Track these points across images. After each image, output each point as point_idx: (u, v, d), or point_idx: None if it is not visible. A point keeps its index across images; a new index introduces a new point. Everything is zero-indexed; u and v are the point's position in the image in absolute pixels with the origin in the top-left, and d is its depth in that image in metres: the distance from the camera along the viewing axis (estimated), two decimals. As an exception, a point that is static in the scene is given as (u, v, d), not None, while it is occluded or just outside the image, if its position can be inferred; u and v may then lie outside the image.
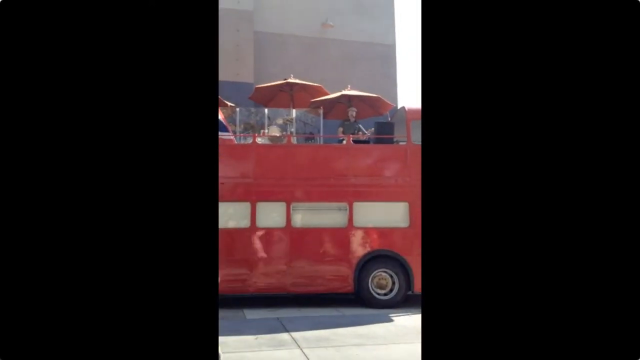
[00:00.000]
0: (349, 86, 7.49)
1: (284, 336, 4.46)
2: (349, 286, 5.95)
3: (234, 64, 9.70)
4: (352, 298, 6.12)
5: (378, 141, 6.67)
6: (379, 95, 7.50)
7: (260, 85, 7.94)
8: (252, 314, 5.55)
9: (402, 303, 5.81)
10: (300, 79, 7.57)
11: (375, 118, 7.53)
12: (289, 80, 7.42)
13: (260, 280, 5.98)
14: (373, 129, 6.99)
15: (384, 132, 6.55)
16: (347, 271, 5.96)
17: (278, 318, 5.22)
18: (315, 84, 7.63)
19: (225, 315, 5.45)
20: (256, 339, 4.36)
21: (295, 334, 4.49)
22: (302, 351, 3.95)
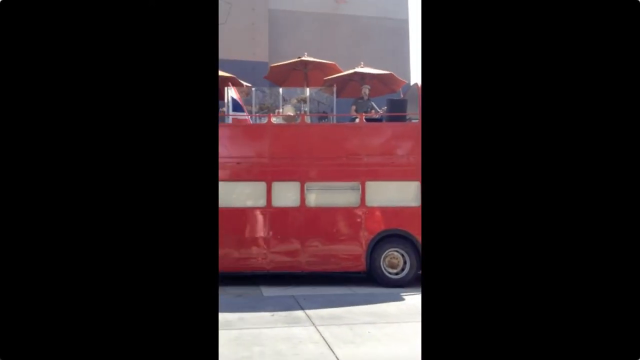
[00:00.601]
0: (362, 63, 7.41)
1: (299, 313, 4.67)
2: (361, 265, 6.11)
3: (250, 43, 9.65)
4: (364, 277, 6.31)
5: (390, 119, 6.65)
6: (392, 72, 7.41)
7: (275, 64, 7.90)
8: (268, 291, 5.78)
9: (413, 282, 5.97)
10: (314, 57, 7.50)
11: (388, 95, 7.48)
12: (303, 58, 7.37)
13: (276, 259, 6.18)
14: (385, 106, 6.96)
15: (397, 110, 6.53)
16: (359, 250, 6.12)
17: (293, 296, 5.44)
18: (329, 62, 7.56)
19: (243, 292, 5.70)
20: (272, 315, 4.58)
21: (310, 312, 4.70)
22: (317, 328, 4.15)
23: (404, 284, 5.98)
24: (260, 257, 6.12)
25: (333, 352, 3.54)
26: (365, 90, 7.07)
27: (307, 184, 6.38)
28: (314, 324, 4.31)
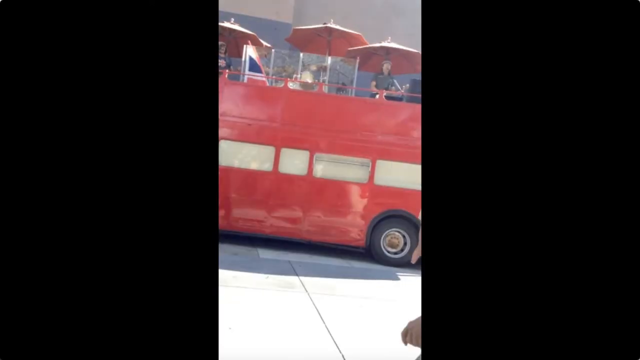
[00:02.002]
0: (390, 38, 7.18)
1: (293, 279, 4.67)
2: (360, 240, 6.09)
3: (275, 1, 9.35)
4: (362, 252, 6.29)
5: (411, 99, 6.49)
6: (419, 52, 7.18)
7: (299, 28, 7.69)
8: (265, 253, 5.79)
9: (410, 263, 5.96)
10: (340, 26, 7.28)
11: (412, 75, 7.26)
12: (329, 25, 7.15)
13: (276, 223, 6.17)
14: (408, 85, 6.77)
15: (419, 91, 6.35)
16: (361, 226, 6.08)
17: (289, 261, 5.44)
18: (355, 32, 7.33)
19: (239, 251, 5.72)
20: (267, 277, 4.58)
21: (304, 279, 4.70)
22: (309, 296, 4.15)
23: (402, 264, 5.96)
24: (260, 220, 6.11)
25: (323, 321, 3.53)
26: (387, 65, 6.87)
27: (317, 155, 6.29)
28: (306, 290, 4.30)
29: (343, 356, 2.92)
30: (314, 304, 3.91)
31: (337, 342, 3.11)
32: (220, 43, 6.47)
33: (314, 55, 7.10)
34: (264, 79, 6.57)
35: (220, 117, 5.58)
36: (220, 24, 6.38)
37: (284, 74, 6.76)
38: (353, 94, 7.00)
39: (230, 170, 6.01)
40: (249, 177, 6.18)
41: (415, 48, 7.31)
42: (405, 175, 6.20)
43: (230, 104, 6.12)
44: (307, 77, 6.80)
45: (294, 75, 6.73)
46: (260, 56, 6.61)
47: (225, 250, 5.44)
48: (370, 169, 6.14)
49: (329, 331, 3.32)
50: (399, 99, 6.67)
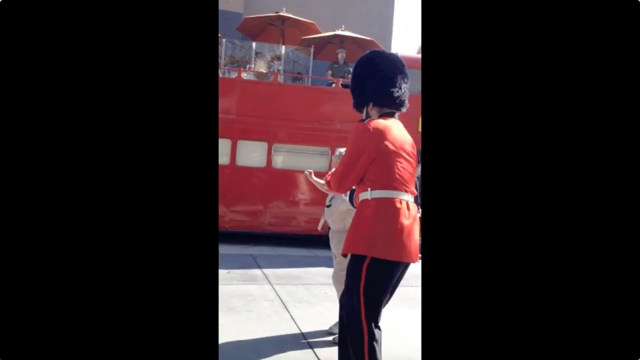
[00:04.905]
0: (343, 26, 7.16)
1: (256, 272, 4.57)
2: (323, 228, 6.06)
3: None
4: (325, 240, 6.26)
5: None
6: (373, 39, 7.20)
7: (250, 16, 7.50)
8: (226, 249, 5.64)
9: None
10: (293, 14, 7.17)
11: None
12: (281, 13, 7.02)
13: (236, 218, 6.03)
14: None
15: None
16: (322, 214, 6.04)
17: (251, 255, 5.33)
18: (309, 21, 7.25)
19: (199, 248, 5.54)
20: (228, 272, 4.46)
21: (267, 271, 4.61)
22: (272, 287, 4.07)
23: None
24: (219, 216, 5.95)
25: (287, 309, 3.47)
26: (342, 54, 6.85)
27: (275, 145, 6.19)
28: (270, 282, 4.22)
29: (309, 343, 2.88)
30: (277, 294, 3.84)
31: (300, 328, 3.06)
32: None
33: (267, 45, 6.96)
34: (216, 69, 6.37)
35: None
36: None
37: (235, 64, 6.58)
38: (309, 83, 6.93)
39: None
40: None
41: (369, 36, 7.34)
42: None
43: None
44: (262, 67, 6.65)
45: (248, 66, 6.57)
46: (211, 46, 6.39)
47: (184, 248, 5.25)
48: (329, 158, 6.11)
49: (293, 319, 3.26)
50: (355, 86, 6.66)
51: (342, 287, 2.78)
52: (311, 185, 6.32)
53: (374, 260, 1.85)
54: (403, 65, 2.02)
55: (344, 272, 2.01)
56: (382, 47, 7.30)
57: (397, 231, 1.85)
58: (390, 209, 1.86)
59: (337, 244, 3.01)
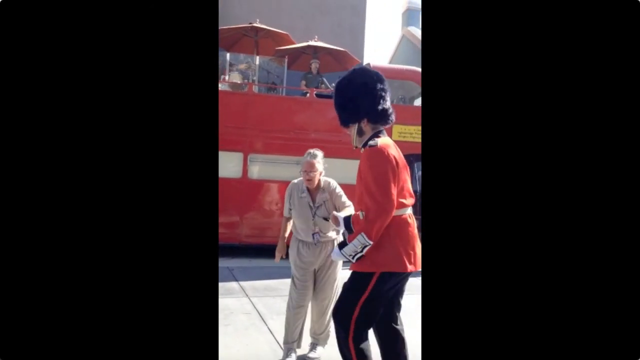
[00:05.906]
0: (316, 37, 7.23)
1: (233, 285, 4.52)
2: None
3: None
4: (303, 251, 6.24)
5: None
6: (346, 50, 7.30)
7: (223, 27, 7.48)
8: (202, 261, 5.56)
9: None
10: (266, 25, 7.19)
11: (341, 73, 7.37)
12: (255, 24, 7.04)
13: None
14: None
15: (348, 89, 6.44)
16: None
17: (228, 267, 5.26)
18: (282, 32, 7.29)
19: (175, 262, 5.43)
20: (205, 286, 4.39)
21: (244, 283, 4.56)
22: (250, 299, 4.03)
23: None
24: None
25: (265, 322, 3.44)
26: (315, 64, 6.91)
27: (251, 156, 6.17)
28: (247, 295, 4.18)
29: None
30: (254, 307, 3.81)
31: (279, 341, 3.04)
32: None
33: (242, 55, 6.96)
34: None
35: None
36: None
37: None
38: (284, 93, 6.95)
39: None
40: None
41: (341, 46, 7.43)
42: (339, 171, 6.26)
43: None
44: (236, 78, 6.64)
45: (222, 76, 6.54)
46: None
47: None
48: (305, 167, 6.13)
49: (270, 331, 3.24)
50: (329, 96, 6.72)
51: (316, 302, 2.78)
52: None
53: (383, 274, 1.91)
54: (385, 81, 2.08)
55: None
56: (355, 57, 7.44)
57: (409, 245, 1.94)
58: (403, 225, 1.94)
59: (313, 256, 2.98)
